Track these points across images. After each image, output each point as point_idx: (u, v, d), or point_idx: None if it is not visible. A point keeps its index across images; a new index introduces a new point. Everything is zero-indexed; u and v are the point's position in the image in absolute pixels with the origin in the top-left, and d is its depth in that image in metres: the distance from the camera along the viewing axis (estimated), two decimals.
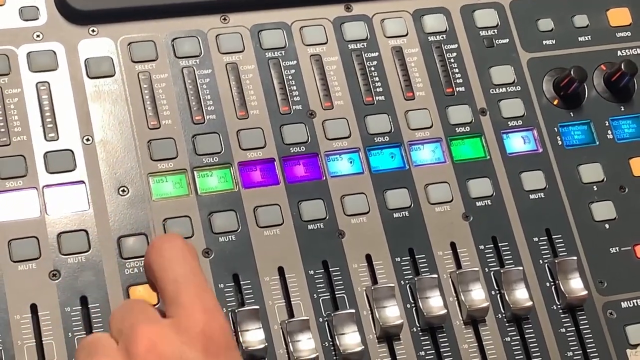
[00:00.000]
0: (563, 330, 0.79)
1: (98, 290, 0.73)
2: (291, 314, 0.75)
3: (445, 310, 0.76)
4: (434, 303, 0.76)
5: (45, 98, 0.77)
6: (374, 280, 0.77)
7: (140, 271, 0.74)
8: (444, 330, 0.77)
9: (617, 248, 0.82)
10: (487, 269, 0.79)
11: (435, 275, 0.77)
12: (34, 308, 0.72)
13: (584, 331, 0.79)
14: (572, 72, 0.84)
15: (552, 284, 0.80)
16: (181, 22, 0.82)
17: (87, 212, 0.75)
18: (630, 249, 0.83)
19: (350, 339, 0.74)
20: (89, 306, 0.72)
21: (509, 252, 0.80)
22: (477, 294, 0.77)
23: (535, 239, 0.81)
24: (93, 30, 0.80)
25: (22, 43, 0.79)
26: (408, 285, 0.77)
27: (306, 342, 0.74)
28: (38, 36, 0.79)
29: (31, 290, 0.72)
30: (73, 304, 0.72)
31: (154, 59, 0.80)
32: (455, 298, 0.78)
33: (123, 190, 0.76)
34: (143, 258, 0.72)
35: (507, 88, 0.86)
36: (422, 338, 0.76)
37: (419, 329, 0.76)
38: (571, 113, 0.86)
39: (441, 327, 0.77)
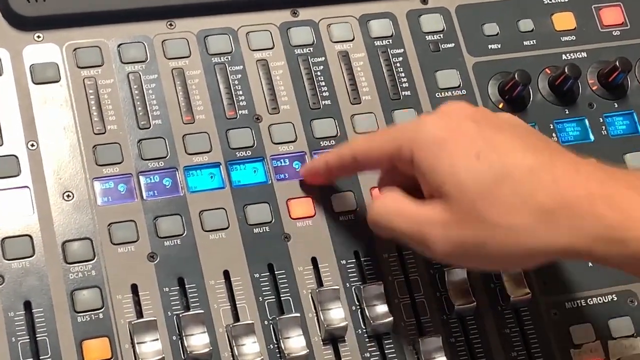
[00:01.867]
0: (507, 330, 0.79)
1: (42, 295, 0.73)
2: (236, 318, 0.75)
3: (392, 318, 0.76)
4: (380, 310, 0.77)
5: None
6: (320, 283, 0.78)
7: (84, 276, 0.74)
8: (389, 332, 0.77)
9: None
10: (431, 271, 0.80)
11: (381, 282, 0.77)
12: None
13: (528, 331, 0.80)
14: (516, 76, 0.85)
15: (496, 284, 0.80)
16: (127, 27, 0.82)
17: (31, 217, 0.75)
18: None
19: (295, 343, 0.75)
20: (33, 311, 0.72)
21: None
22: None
23: None
24: (38, 37, 0.80)
25: None
26: (353, 289, 0.78)
27: (251, 346, 0.74)
28: None
29: None
30: (17, 309, 0.72)
31: (100, 65, 0.81)
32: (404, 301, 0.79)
33: (68, 195, 0.76)
34: (87, 263, 0.73)
35: (453, 92, 0.86)
36: (367, 340, 0.77)
37: (364, 331, 0.77)
38: (516, 116, 0.87)
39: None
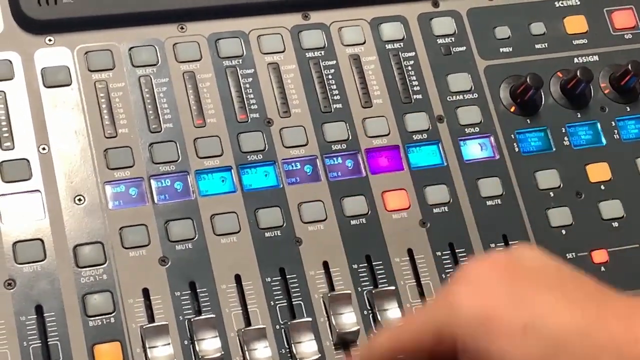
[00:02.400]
0: None
1: (53, 299, 0.73)
2: (248, 322, 0.75)
3: None
4: (392, 315, 0.77)
5: (1, 107, 0.77)
6: (331, 287, 0.77)
7: (96, 280, 0.74)
8: None
9: (573, 254, 0.83)
10: (444, 275, 0.79)
11: (393, 287, 0.77)
12: None
13: None
14: (528, 80, 0.85)
15: None
16: (138, 31, 0.82)
17: (42, 221, 0.75)
18: (586, 254, 0.83)
19: (306, 347, 0.74)
20: (44, 315, 0.72)
21: (466, 258, 0.80)
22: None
23: (492, 245, 0.81)
24: (50, 40, 0.80)
25: None
26: (365, 292, 0.78)
27: (262, 351, 0.74)
28: None
29: None
30: (28, 313, 0.72)
31: (111, 68, 0.81)
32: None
33: (79, 199, 0.76)
34: (99, 267, 0.73)
35: (464, 95, 0.86)
36: None
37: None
38: (528, 120, 0.87)
39: None
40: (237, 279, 0.76)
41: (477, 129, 0.85)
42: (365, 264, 0.79)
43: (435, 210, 0.82)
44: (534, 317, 0.57)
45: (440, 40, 0.88)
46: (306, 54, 0.85)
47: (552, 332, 0.57)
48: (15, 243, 0.74)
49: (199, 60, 0.82)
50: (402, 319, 0.73)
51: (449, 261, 0.80)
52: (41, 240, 0.74)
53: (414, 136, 0.84)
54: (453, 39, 0.88)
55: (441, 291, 0.61)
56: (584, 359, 0.56)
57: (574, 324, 0.57)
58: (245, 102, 0.82)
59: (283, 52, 0.84)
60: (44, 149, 0.77)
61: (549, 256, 0.62)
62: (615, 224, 0.85)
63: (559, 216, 0.84)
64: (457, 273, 0.61)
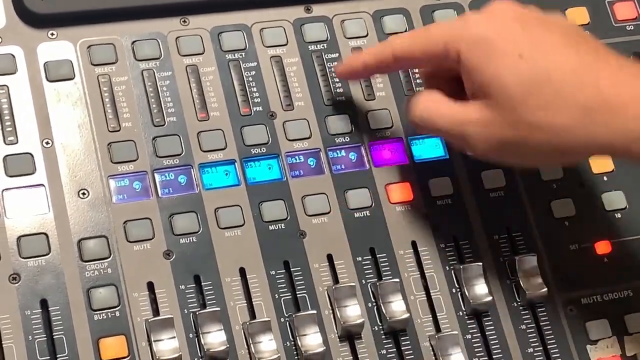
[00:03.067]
0: (523, 326, 0.79)
1: (58, 293, 0.73)
2: (253, 315, 0.75)
3: (408, 314, 0.76)
4: (397, 307, 0.77)
5: (4, 102, 0.77)
6: (335, 280, 0.78)
7: (100, 274, 0.74)
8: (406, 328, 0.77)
9: (576, 245, 0.83)
10: (447, 267, 0.80)
11: (397, 280, 0.77)
12: None
13: (545, 327, 0.80)
14: None
15: (512, 280, 0.80)
16: (141, 24, 0.82)
17: (47, 215, 0.75)
18: (589, 245, 0.83)
19: (311, 340, 0.75)
20: (50, 309, 0.72)
21: (470, 250, 0.80)
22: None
23: (496, 237, 0.82)
24: (52, 34, 0.80)
25: None
26: (369, 285, 0.78)
27: (268, 344, 0.74)
28: None
29: None
30: (33, 307, 0.72)
31: (114, 62, 0.80)
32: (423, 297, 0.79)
33: (83, 193, 0.76)
34: (103, 260, 0.73)
35: None
36: (383, 337, 0.77)
37: (380, 327, 0.77)
38: None
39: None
40: (242, 272, 0.76)
41: None
42: (370, 257, 0.79)
43: (438, 203, 0.82)
44: (533, 49, 0.68)
45: None
46: (309, 47, 0.85)
47: (546, 64, 0.68)
48: (19, 237, 0.74)
49: (201, 54, 0.82)
50: (419, 29, 0.79)
51: (452, 253, 0.80)
52: (45, 234, 0.74)
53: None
54: None
55: (463, 14, 0.73)
56: (566, 91, 0.67)
57: (568, 62, 0.68)
58: (249, 95, 0.82)
59: (286, 45, 0.84)
60: (47, 143, 0.77)
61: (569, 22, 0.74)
62: (618, 215, 0.85)
63: (562, 207, 0.84)
64: (484, 7, 0.72)
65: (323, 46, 0.85)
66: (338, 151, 0.82)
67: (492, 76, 0.69)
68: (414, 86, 0.85)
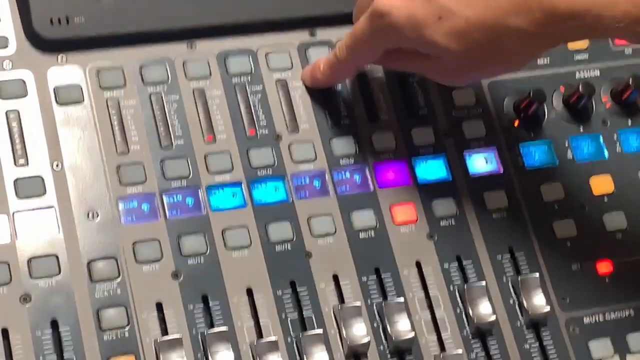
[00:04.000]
0: (527, 346, 0.80)
1: (69, 314, 0.74)
2: (260, 335, 0.76)
3: (414, 334, 0.77)
4: (402, 327, 0.78)
5: (15, 125, 0.78)
6: (341, 300, 0.78)
7: (110, 294, 0.75)
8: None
9: (578, 265, 0.84)
10: (451, 287, 0.81)
11: (402, 299, 0.78)
12: (5, 333, 0.72)
13: (548, 347, 0.81)
14: (531, 94, 0.87)
15: (515, 300, 0.81)
16: (149, 49, 0.83)
17: (57, 236, 0.76)
18: (591, 265, 0.84)
19: (318, 359, 0.75)
20: (60, 330, 0.73)
21: (473, 270, 0.81)
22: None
23: (499, 257, 0.83)
24: (62, 59, 0.81)
25: None
26: (375, 304, 0.79)
27: None
28: (7, 65, 0.80)
29: (1, 316, 0.73)
30: (44, 327, 0.73)
31: (122, 86, 0.82)
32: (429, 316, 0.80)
33: (93, 215, 0.77)
34: (113, 281, 0.74)
35: (469, 110, 0.88)
36: (389, 356, 0.78)
37: (386, 347, 0.78)
38: (531, 134, 0.88)
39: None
40: (249, 292, 0.77)
41: (482, 143, 0.87)
42: (375, 277, 0.80)
43: (442, 223, 0.83)
44: (444, 11, 0.72)
45: None
46: None
47: (461, 16, 0.72)
48: (30, 259, 0.74)
49: (208, 78, 0.84)
50: (351, 37, 0.80)
51: (456, 273, 0.81)
52: (56, 255, 0.75)
53: (420, 150, 0.85)
54: None
55: (374, 11, 0.75)
56: (491, 26, 0.71)
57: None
58: (255, 118, 0.83)
59: (291, 68, 0.86)
60: (57, 165, 0.78)
61: None
62: (619, 236, 0.86)
63: (564, 228, 0.85)
64: None
65: None
66: (343, 173, 0.83)
67: (429, 45, 0.74)
68: (417, 109, 0.86)
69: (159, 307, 0.75)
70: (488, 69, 0.78)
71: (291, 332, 0.77)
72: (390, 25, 0.74)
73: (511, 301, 0.81)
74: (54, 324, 0.73)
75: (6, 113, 0.78)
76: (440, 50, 0.74)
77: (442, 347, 0.79)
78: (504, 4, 0.70)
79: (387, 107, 0.86)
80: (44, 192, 0.77)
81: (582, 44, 0.92)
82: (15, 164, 0.77)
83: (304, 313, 0.77)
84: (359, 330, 0.77)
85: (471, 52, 0.73)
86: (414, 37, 0.74)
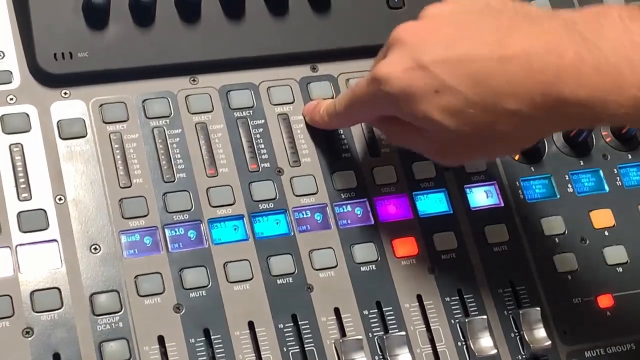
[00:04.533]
0: None
1: (71, 347, 0.74)
2: None
3: None
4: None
5: (18, 159, 0.79)
6: (343, 333, 0.79)
7: (112, 328, 0.75)
8: None
9: (579, 298, 0.84)
10: (452, 321, 0.81)
11: (404, 333, 0.79)
12: None
13: None
14: None
15: (516, 334, 0.81)
16: (151, 83, 0.84)
17: (59, 270, 0.76)
18: (592, 299, 0.85)
19: None
20: None
21: (474, 304, 0.82)
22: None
23: (500, 291, 0.83)
24: (65, 93, 0.82)
25: None
26: (376, 338, 0.79)
27: None
28: (11, 99, 0.81)
29: (4, 349, 0.73)
30: None
31: (125, 120, 0.82)
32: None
33: (95, 248, 0.77)
34: (115, 315, 0.74)
35: None
36: None
37: None
38: (532, 168, 0.89)
39: None
40: (251, 325, 0.77)
41: (482, 177, 0.87)
42: (376, 310, 0.80)
43: (443, 257, 0.83)
44: (442, 86, 0.69)
45: None
46: None
47: (458, 92, 0.69)
48: (32, 292, 0.75)
49: (210, 112, 0.84)
50: (350, 93, 0.79)
51: (457, 307, 0.81)
52: (58, 289, 0.75)
53: (421, 184, 0.85)
54: None
55: (373, 76, 0.73)
56: (489, 106, 0.68)
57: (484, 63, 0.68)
58: (256, 152, 0.84)
59: (292, 103, 0.86)
60: (60, 199, 0.78)
61: None
62: (620, 269, 0.86)
63: (565, 262, 0.85)
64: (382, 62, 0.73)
65: None
66: (344, 206, 0.83)
67: (425, 123, 0.71)
68: None
69: (161, 340, 0.75)
70: (485, 151, 0.75)
71: None
72: (386, 94, 0.71)
73: (512, 335, 0.81)
74: (56, 357, 0.73)
75: (10, 147, 0.79)
76: (434, 126, 0.70)
77: None
78: (504, 86, 0.67)
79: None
80: (47, 226, 0.77)
81: None
82: (18, 198, 0.78)
83: (305, 347, 0.78)
84: None
85: (467, 131, 0.69)
86: (408, 109, 0.71)
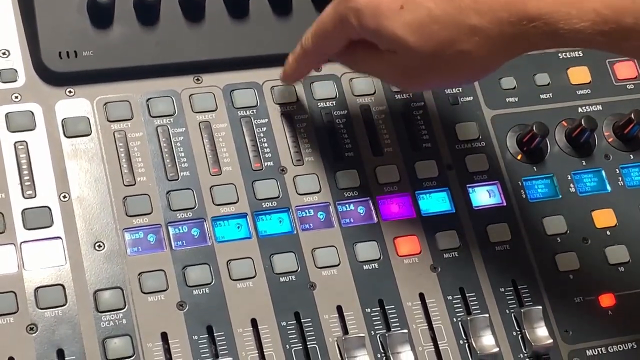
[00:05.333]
0: None
1: (74, 344, 0.74)
2: None
3: None
4: (405, 358, 0.78)
5: (23, 157, 0.79)
6: (345, 331, 0.79)
7: (116, 324, 0.75)
8: None
9: (581, 298, 0.85)
10: (454, 319, 0.81)
11: (406, 330, 0.79)
12: None
13: None
14: (534, 128, 0.87)
15: (518, 332, 0.82)
16: (155, 82, 0.84)
17: (63, 267, 0.76)
18: (594, 298, 0.85)
19: None
20: (66, 359, 0.73)
21: (476, 302, 0.82)
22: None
23: (502, 289, 0.83)
24: (70, 92, 0.82)
25: (1, 104, 0.81)
26: (378, 336, 0.79)
27: None
28: (16, 97, 0.81)
29: (8, 345, 0.73)
30: (50, 357, 0.73)
31: (129, 118, 0.83)
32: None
33: (99, 246, 0.78)
34: (118, 311, 0.75)
35: (472, 144, 0.88)
36: None
37: None
38: (534, 167, 0.89)
39: None
40: (253, 323, 0.78)
41: (485, 177, 0.87)
42: (378, 308, 0.80)
43: (445, 256, 0.83)
44: (407, 1, 0.70)
45: (448, 91, 0.90)
46: (318, 104, 0.87)
47: (423, 7, 0.70)
48: (37, 288, 0.75)
49: (214, 111, 0.85)
50: (316, 24, 0.80)
51: (459, 305, 0.82)
52: (62, 285, 0.76)
53: (424, 183, 0.86)
54: (460, 89, 0.90)
55: None
56: (453, 21, 0.69)
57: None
58: (260, 150, 0.84)
59: (296, 102, 0.87)
60: (64, 197, 0.79)
61: None
62: (622, 269, 0.87)
63: (567, 261, 0.86)
64: None
65: (332, 103, 0.87)
66: (347, 205, 0.83)
67: (390, 37, 0.72)
68: (421, 142, 0.87)
69: (164, 337, 0.76)
70: (448, 76, 0.75)
71: None
72: (352, 9, 0.73)
73: (514, 333, 0.82)
74: (60, 354, 0.74)
75: (15, 145, 0.80)
76: (397, 43, 0.71)
77: None
78: (468, 1, 0.69)
79: (391, 140, 0.87)
80: (51, 223, 0.78)
81: (584, 77, 0.93)
82: (23, 195, 0.78)
83: (308, 344, 0.78)
84: None
85: (429, 50, 0.70)
86: (373, 25, 0.72)
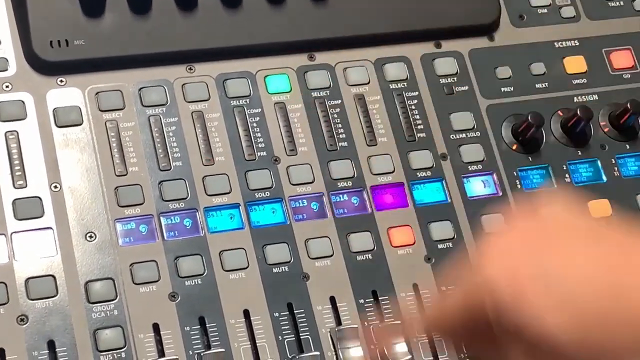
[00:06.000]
0: None
1: (65, 335, 0.74)
2: (257, 356, 0.76)
3: (410, 356, 0.77)
4: (399, 349, 0.78)
5: (14, 147, 0.79)
6: (338, 322, 0.78)
7: (107, 315, 0.75)
8: None
9: None
10: None
11: (399, 321, 0.78)
12: (1, 353, 0.72)
13: None
14: (529, 118, 0.87)
15: None
16: (148, 72, 0.84)
17: (54, 257, 0.76)
18: None
19: None
20: (57, 350, 0.73)
21: None
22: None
23: None
24: (61, 81, 0.82)
25: None
26: (372, 327, 0.79)
27: None
28: (7, 86, 0.81)
29: None
30: (40, 348, 0.73)
31: (121, 108, 0.82)
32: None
33: (90, 236, 0.77)
34: (110, 302, 0.74)
35: (467, 134, 0.88)
36: None
37: None
38: (529, 157, 0.88)
39: None
40: (246, 314, 0.77)
41: (480, 167, 0.87)
42: (372, 299, 0.80)
43: (439, 246, 0.83)
44: (565, 294, 0.55)
45: (442, 80, 0.90)
46: (312, 93, 0.86)
47: (583, 303, 0.55)
48: (27, 279, 0.75)
49: (207, 100, 0.84)
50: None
51: None
52: (53, 276, 0.75)
53: (418, 173, 0.85)
54: (455, 78, 0.90)
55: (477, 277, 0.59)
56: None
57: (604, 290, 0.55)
58: (253, 140, 0.83)
59: (289, 92, 0.86)
60: (55, 187, 0.78)
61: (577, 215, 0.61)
62: None
63: None
64: (487, 249, 0.60)
65: (326, 93, 0.87)
66: (341, 195, 0.83)
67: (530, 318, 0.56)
68: (415, 132, 0.86)
69: (156, 328, 0.75)
70: None
71: (288, 354, 0.77)
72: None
73: None
74: (51, 345, 0.73)
75: (5, 134, 0.79)
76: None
77: None
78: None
79: (385, 130, 0.86)
80: (42, 214, 0.77)
81: (580, 67, 0.93)
82: (13, 185, 0.78)
83: (300, 335, 0.77)
84: (356, 353, 0.77)
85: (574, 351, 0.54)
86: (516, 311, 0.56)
